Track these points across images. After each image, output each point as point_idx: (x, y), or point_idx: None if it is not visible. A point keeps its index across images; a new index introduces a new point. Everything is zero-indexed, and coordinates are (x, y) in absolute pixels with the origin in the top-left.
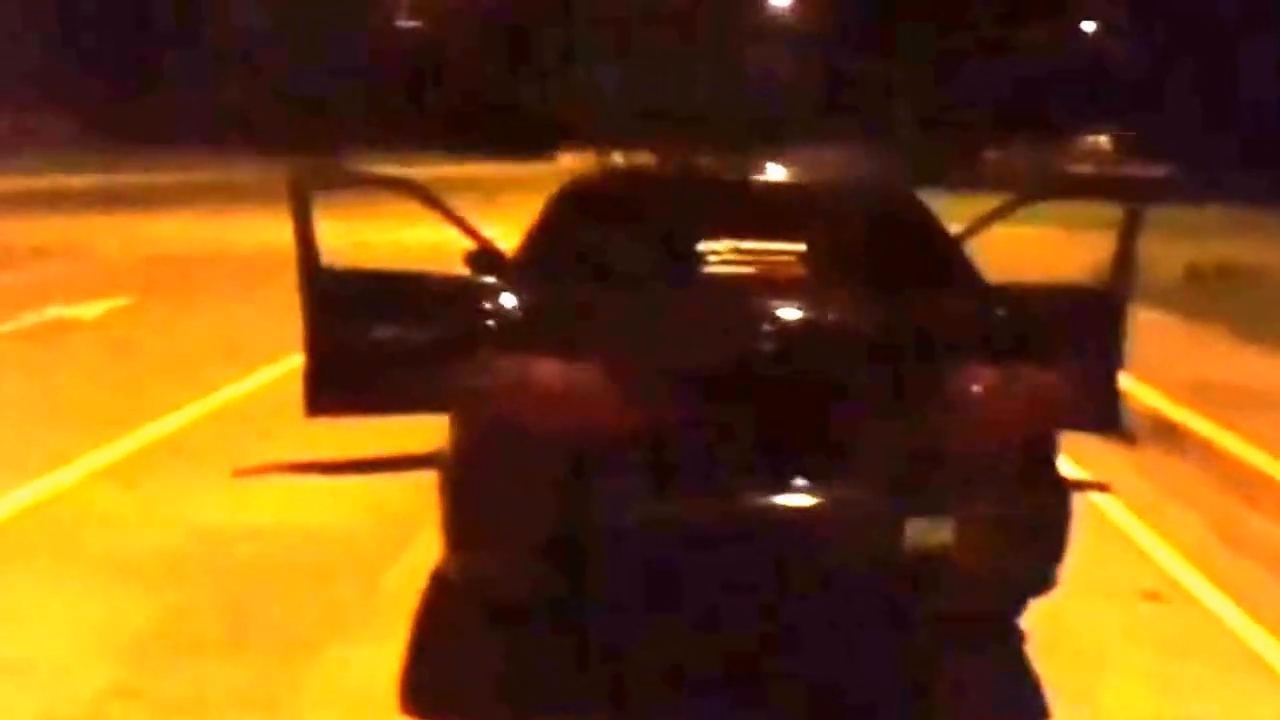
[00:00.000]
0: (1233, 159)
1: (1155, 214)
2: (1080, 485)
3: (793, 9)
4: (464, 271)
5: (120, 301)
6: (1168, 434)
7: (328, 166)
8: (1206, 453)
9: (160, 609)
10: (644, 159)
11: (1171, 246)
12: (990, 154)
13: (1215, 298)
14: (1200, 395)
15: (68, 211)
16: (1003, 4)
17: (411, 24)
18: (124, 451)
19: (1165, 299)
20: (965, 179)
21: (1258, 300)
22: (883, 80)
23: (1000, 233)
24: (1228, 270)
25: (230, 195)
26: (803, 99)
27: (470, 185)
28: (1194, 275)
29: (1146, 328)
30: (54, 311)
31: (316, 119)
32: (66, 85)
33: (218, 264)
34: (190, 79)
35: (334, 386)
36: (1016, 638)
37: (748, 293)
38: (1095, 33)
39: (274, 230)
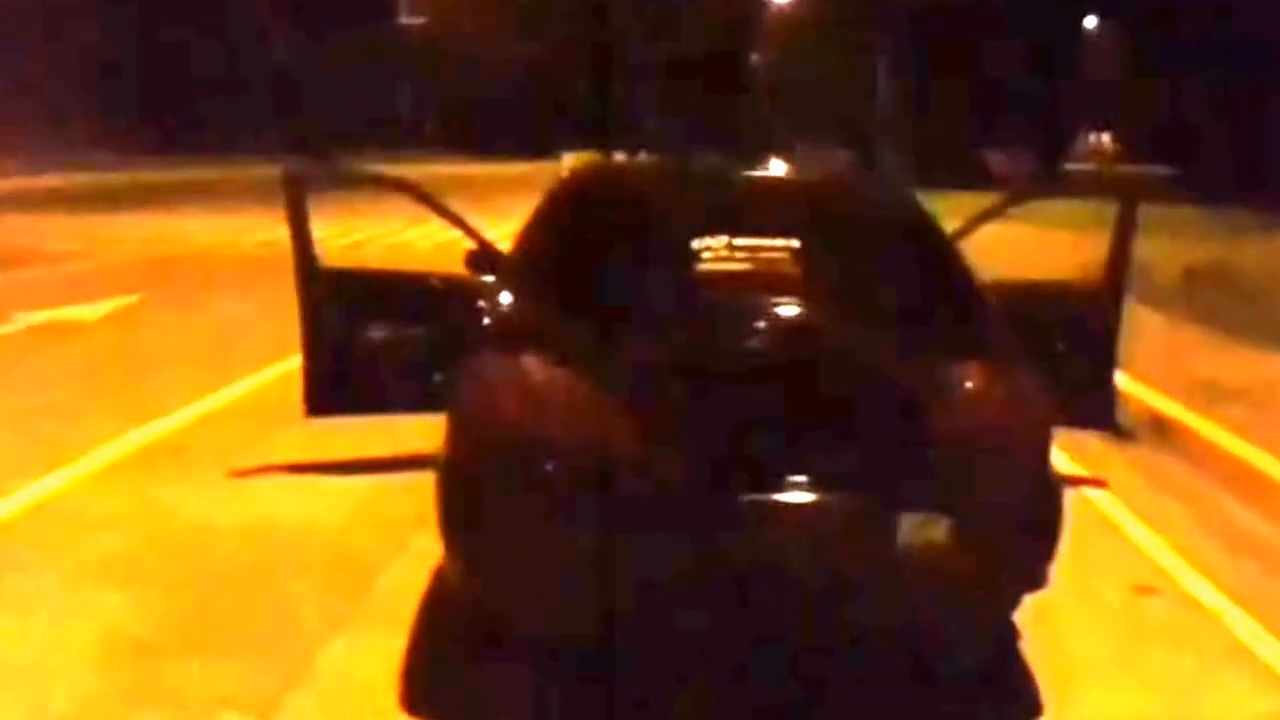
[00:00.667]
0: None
1: (1157, 214)
2: (1076, 481)
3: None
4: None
5: (126, 300)
6: (1162, 430)
7: (325, 165)
8: (1200, 448)
9: (157, 609)
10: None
11: (1171, 247)
12: (993, 154)
13: (1212, 297)
14: (1195, 393)
15: (81, 211)
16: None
17: (417, 20)
18: (122, 452)
19: (1162, 299)
20: (966, 178)
21: (1253, 300)
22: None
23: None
24: (1224, 271)
25: (242, 192)
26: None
27: (471, 184)
28: (1191, 275)
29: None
30: (59, 311)
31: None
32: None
33: (228, 261)
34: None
35: (333, 386)
36: (1009, 633)
37: (743, 290)
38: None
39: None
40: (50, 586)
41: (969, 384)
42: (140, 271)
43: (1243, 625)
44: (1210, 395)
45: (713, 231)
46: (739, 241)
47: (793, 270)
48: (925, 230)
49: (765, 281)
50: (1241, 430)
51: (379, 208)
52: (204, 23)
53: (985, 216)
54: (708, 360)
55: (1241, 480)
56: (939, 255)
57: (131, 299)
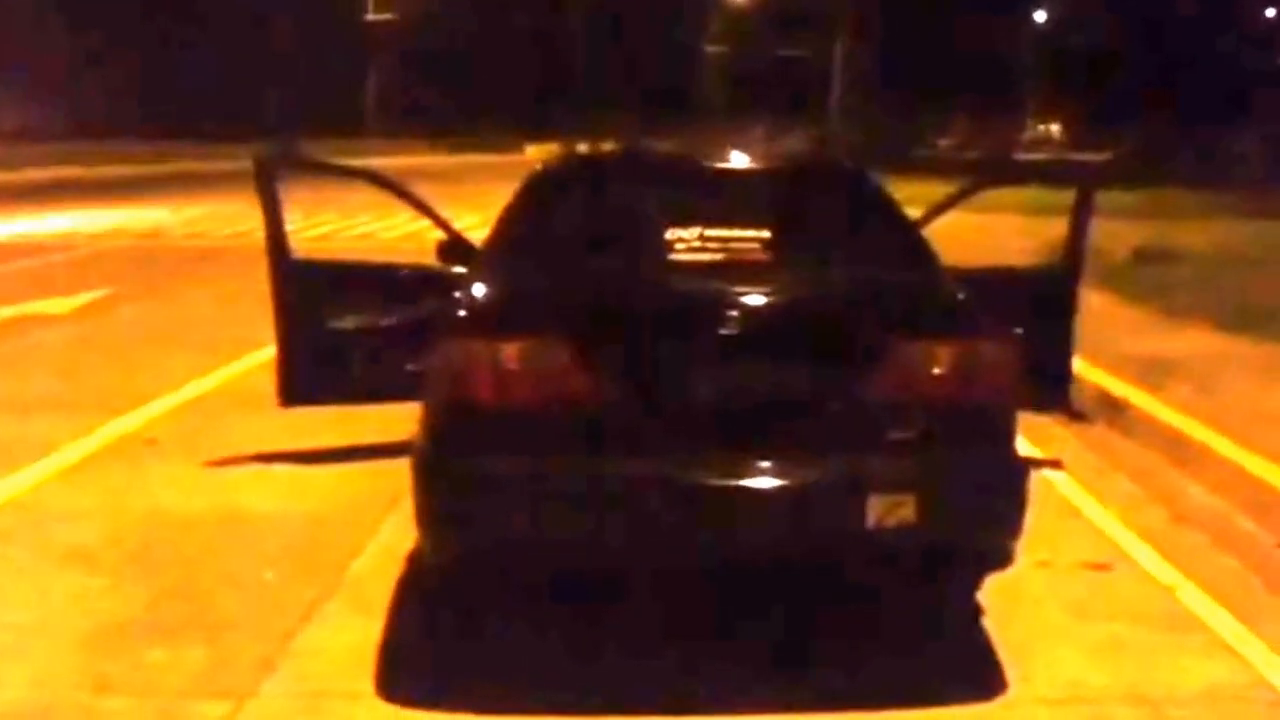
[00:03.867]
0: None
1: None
2: (1034, 463)
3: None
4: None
5: (99, 293)
6: (1113, 409)
7: (294, 155)
8: (1149, 426)
9: (131, 597)
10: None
11: (1119, 229)
12: (944, 140)
13: (1157, 278)
14: (1142, 370)
15: (54, 203)
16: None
17: (385, 17)
18: (96, 444)
19: (1111, 280)
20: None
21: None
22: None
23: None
24: (1169, 253)
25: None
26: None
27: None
28: (1140, 257)
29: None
30: (31, 305)
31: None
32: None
33: (202, 253)
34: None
35: (307, 376)
36: (973, 611)
37: (710, 275)
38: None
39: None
40: (24, 576)
41: (936, 368)
42: (114, 264)
43: (1194, 598)
44: (1158, 374)
45: (683, 218)
46: (708, 226)
47: (761, 252)
48: (890, 215)
49: (735, 266)
50: (1188, 408)
51: (346, 199)
52: (177, 14)
53: (947, 204)
54: (679, 345)
55: (1191, 457)
56: (904, 240)
57: (105, 292)
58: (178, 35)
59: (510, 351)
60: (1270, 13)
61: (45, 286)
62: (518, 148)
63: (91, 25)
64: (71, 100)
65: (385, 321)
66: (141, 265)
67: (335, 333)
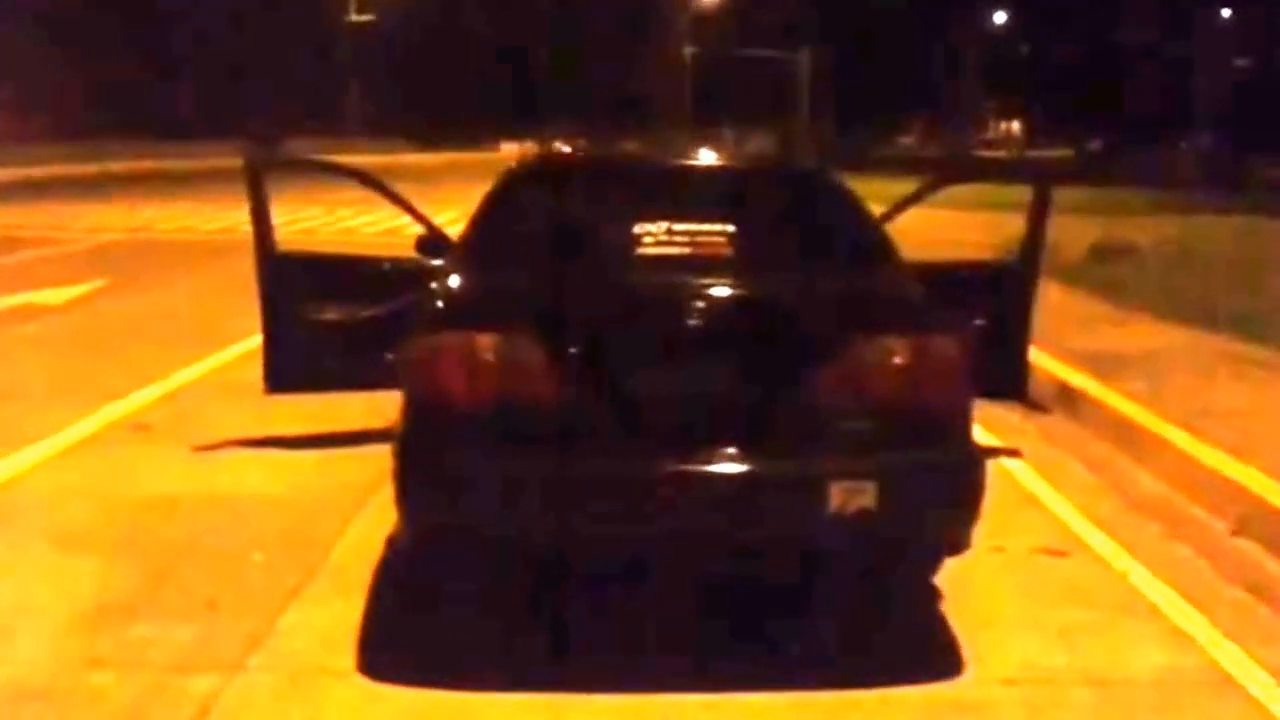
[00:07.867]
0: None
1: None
2: (993, 451)
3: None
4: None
5: (94, 285)
6: (1069, 400)
7: (282, 152)
8: (1105, 417)
9: (122, 577)
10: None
11: (1077, 225)
12: (906, 139)
13: (1113, 273)
14: (1098, 362)
15: (45, 200)
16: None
17: (366, 18)
18: (87, 430)
19: (1069, 275)
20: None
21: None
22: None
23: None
24: (1124, 248)
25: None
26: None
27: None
28: (1096, 253)
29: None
30: (27, 296)
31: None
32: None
33: (192, 247)
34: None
35: (291, 365)
36: (931, 595)
37: (675, 272)
38: None
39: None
40: (19, 555)
41: (896, 358)
42: (106, 258)
43: (1147, 584)
44: (1114, 366)
45: (651, 215)
46: (676, 224)
47: (726, 250)
48: (852, 213)
49: (701, 262)
50: (1144, 399)
51: (329, 195)
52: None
53: (909, 201)
54: (646, 336)
55: (1145, 447)
56: (865, 238)
57: (97, 284)
58: (161, 39)
59: (481, 344)
60: (1226, 13)
61: (40, 278)
62: (494, 146)
63: (75, 32)
64: (58, 105)
65: (366, 313)
66: (132, 259)
67: (318, 323)
